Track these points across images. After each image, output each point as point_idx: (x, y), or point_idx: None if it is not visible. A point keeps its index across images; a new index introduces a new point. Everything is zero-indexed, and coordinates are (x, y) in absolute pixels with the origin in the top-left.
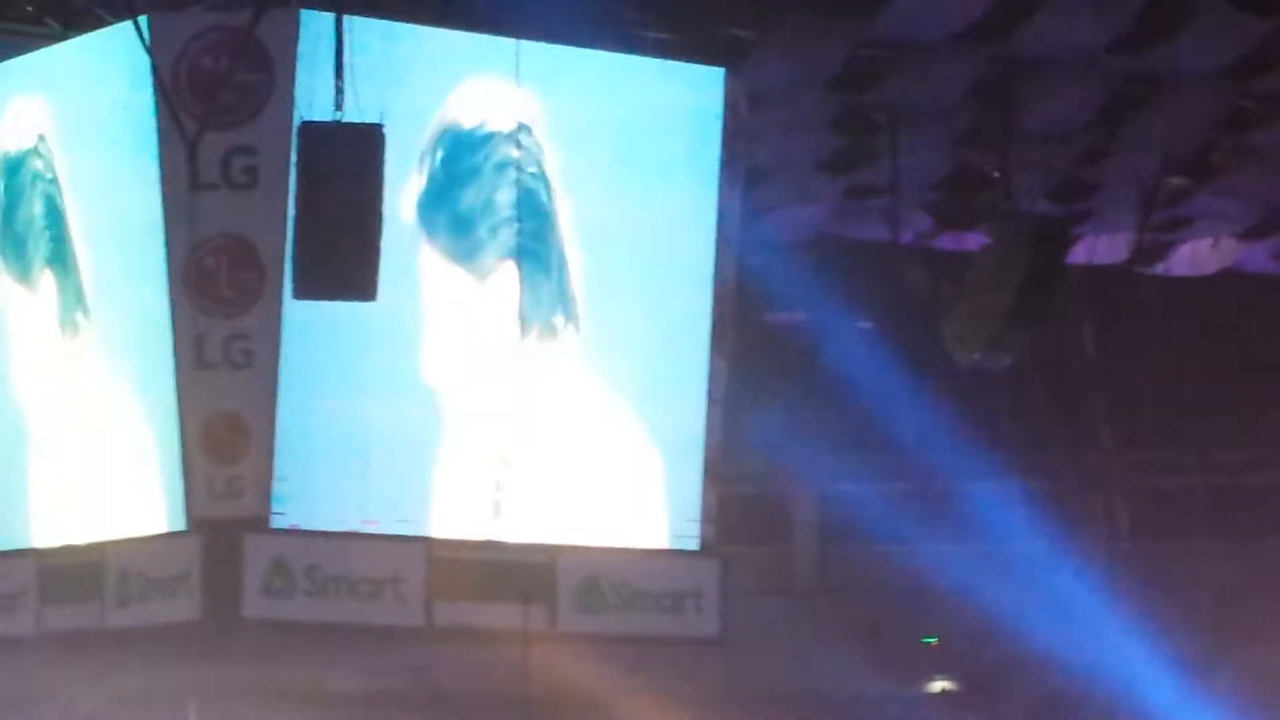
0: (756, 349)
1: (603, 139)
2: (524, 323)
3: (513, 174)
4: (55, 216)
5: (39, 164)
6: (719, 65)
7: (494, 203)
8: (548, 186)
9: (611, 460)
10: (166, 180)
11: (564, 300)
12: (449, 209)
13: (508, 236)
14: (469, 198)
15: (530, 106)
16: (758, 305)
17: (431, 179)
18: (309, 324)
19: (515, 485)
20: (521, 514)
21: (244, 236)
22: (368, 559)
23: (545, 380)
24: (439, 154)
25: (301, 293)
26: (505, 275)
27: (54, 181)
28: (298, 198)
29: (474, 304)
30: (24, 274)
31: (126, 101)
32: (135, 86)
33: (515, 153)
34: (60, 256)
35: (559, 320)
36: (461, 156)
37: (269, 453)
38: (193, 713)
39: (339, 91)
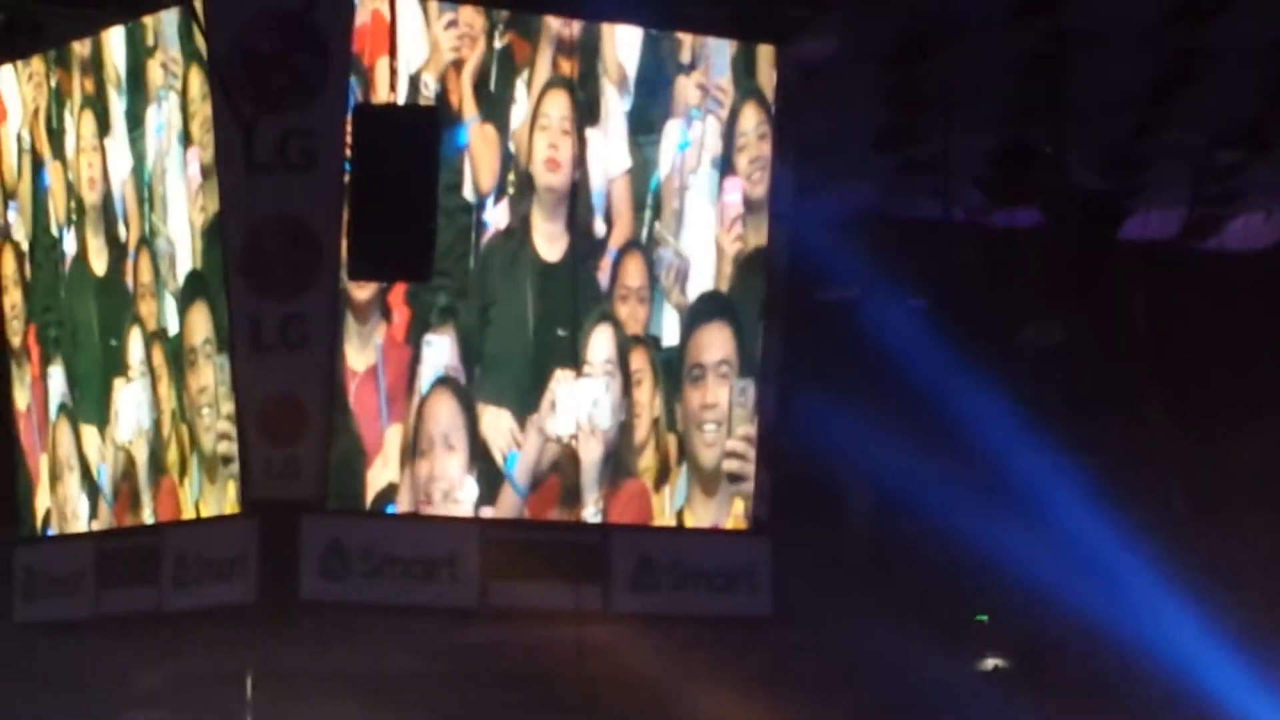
0: (808, 327)
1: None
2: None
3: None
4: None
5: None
6: (769, 42)
7: None
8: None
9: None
10: (222, 163)
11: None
12: None
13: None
14: None
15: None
16: (809, 283)
17: None
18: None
19: (570, 464)
20: (577, 493)
21: (300, 218)
22: (422, 540)
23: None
24: None
25: (356, 274)
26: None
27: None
28: (353, 179)
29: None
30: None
31: (183, 85)
32: (191, 69)
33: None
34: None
35: None
36: None
37: (326, 434)
38: (250, 694)
39: (393, 73)
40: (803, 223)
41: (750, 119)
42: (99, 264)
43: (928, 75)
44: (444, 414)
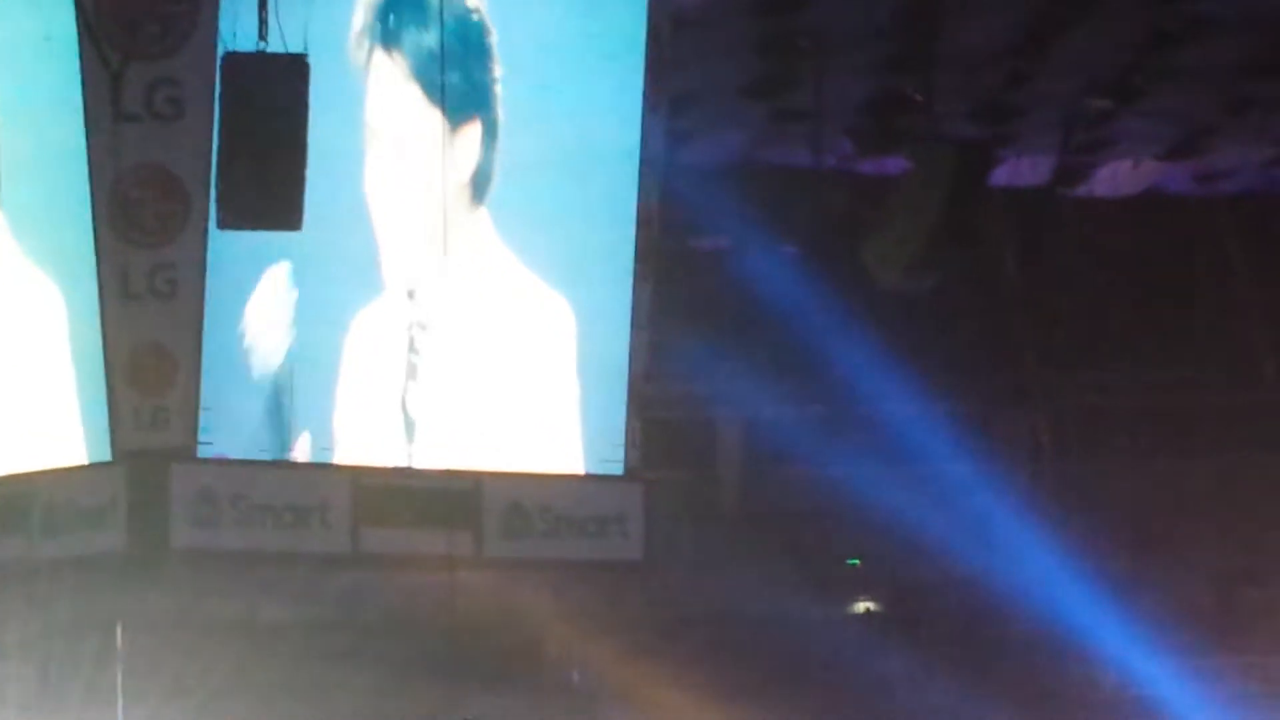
0: (680, 274)
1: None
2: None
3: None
4: None
5: None
6: None
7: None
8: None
9: (532, 384)
10: (90, 112)
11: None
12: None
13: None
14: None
15: None
16: (681, 230)
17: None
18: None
19: (433, 407)
20: (442, 438)
21: (168, 167)
22: (294, 487)
23: (466, 277)
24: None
25: (226, 223)
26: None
27: None
28: (222, 129)
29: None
30: None
31: (48, 33)
32: (58, 18)
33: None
34: None
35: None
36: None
37: (195, 382)
38: (122, 642)
39: (263, 22)
40: (674, 171)
41: None
42: None
43: (800, 23)
44: None
